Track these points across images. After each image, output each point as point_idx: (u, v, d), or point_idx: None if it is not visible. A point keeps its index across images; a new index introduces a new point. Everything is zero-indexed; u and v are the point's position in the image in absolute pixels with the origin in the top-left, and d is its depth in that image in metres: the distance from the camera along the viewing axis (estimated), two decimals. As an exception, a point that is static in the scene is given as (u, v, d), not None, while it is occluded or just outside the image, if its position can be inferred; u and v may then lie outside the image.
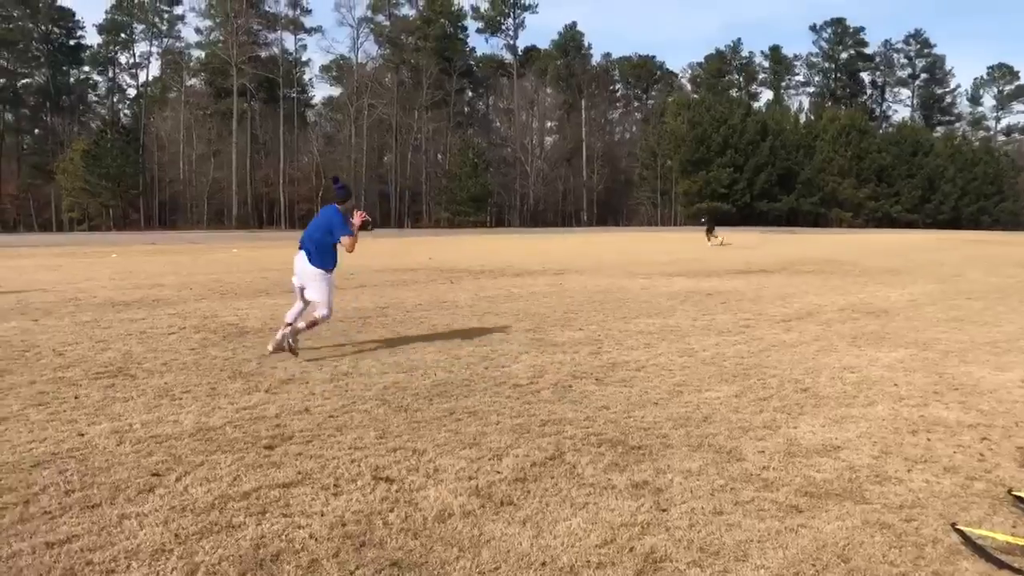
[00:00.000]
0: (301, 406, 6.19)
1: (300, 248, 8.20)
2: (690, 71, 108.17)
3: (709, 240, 36.29)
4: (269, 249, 30.72)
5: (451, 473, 4.65)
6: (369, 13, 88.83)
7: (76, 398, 6.39)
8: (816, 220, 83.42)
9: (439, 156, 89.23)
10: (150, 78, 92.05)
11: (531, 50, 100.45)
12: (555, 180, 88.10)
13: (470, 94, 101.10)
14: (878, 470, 4.84)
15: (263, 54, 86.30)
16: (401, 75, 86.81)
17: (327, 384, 6.96)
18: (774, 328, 10.51)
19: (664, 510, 4.15)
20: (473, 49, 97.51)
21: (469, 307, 12.31)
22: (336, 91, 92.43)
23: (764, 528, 3.93)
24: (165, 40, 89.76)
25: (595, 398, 6.57)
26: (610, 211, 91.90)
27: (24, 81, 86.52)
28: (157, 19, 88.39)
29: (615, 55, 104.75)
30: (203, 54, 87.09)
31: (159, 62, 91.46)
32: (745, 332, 10.14)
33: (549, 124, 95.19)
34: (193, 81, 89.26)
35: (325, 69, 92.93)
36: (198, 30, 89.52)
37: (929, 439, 5.53)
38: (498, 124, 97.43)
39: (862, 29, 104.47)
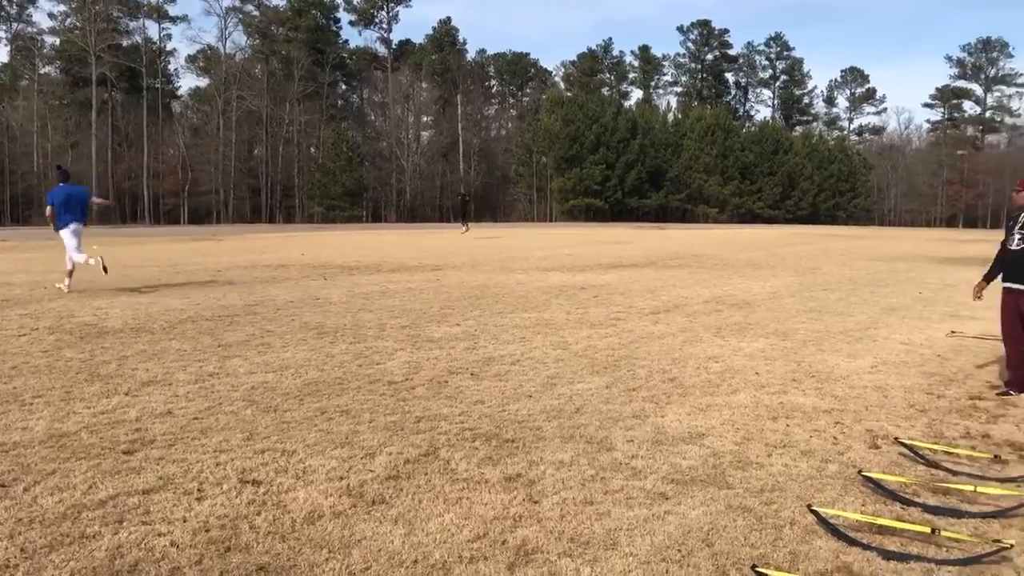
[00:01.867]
0: (163, 408, 5.93)
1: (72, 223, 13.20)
2: (563, 69, 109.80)
3: (464, 228, 37.21)
4: (131, 245, 29.32)
5: (321, 473, 4.56)
6: (237, 3, 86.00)
7: (-88, 407, 5.94)
8: (684, 216, 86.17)
9: (312, 149, 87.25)
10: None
11: (405, 44, 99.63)
12: (432, 175, 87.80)
13: (343, 87, 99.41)
14: (740, 456, 5.04)
15: (124, 42, 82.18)
16: (271, 66, 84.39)
17: (191, 385, 6.70)
18: (643, 320, 10.79)
19: (536, 502, 4.19)
20: (346, 41, 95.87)
21: (343, 304, 12.11)
22: (203, 82, 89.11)
23: (633, 516, 4.02)
24: (15, 24, 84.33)
25: (470, 393, 6.58)
26: (488, 207, 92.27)
27: None
28: (5, 2, 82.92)
29: (490, 51, 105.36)
30: (58, 40, 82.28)
31: (8, 48, 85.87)
32: (616, 325, 10.37)
33: (425, 119, 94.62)
34: (47, 69, 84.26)
35: (191, 59, 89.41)
36: (52, 15, 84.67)
37: (788, 425, 5.80)
38: (373, 118, 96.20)
39: (727, 31, 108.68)
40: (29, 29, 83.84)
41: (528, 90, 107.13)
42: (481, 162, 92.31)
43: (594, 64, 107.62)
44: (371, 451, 4.98)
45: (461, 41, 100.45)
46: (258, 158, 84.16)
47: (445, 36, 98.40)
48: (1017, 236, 6.59)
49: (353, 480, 4.46)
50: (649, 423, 5.75)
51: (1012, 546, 3.66)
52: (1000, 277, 6.93)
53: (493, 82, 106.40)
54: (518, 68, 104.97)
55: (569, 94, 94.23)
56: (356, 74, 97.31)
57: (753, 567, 3.40)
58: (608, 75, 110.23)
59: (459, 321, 10.51)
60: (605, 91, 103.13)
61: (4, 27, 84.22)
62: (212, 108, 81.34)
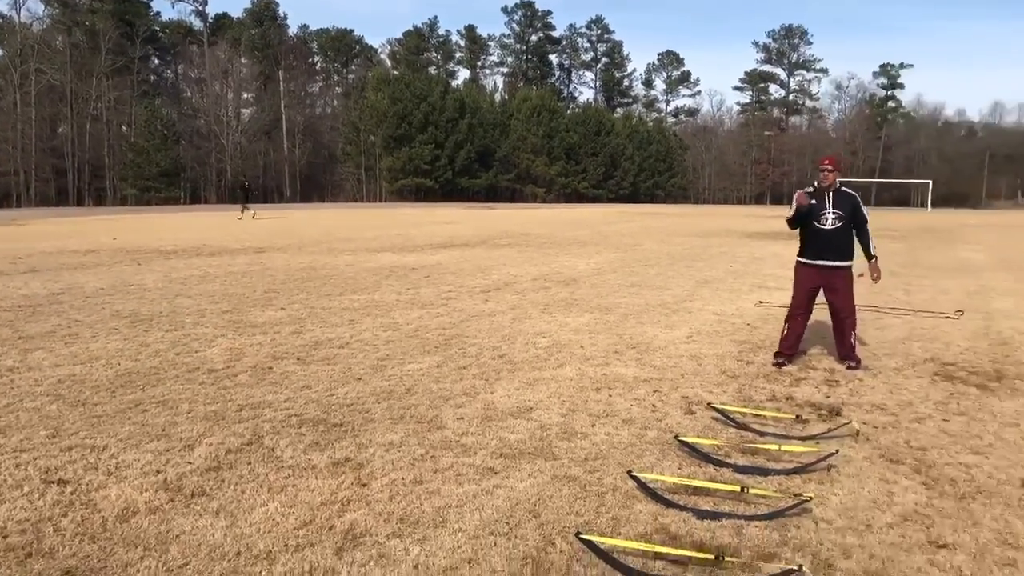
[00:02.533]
0: (-46, 409, 5.43)
1: None
2: (389, 47, 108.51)
3: (242, 213, 36.56)
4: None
5: (136, 468, 4.32)
6: (31, -33, 79.39)
7: None
8: (514, 196, 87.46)
9: (123, 127, 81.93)
10: None
11: (223, 18, 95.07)
12: (255, 154, 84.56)
13: (156, 61, 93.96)
14: (566, 427, 5.18)
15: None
16: (75, 38, 78.52)
17: (-13, 382, 6.17)
18: (474, 299, 10.87)
19: (365, 485, 4.14)
20: (158, 14, 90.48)
21: (159, 290, 11.50)
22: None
23: (462, 492, 4.05)
24: None
25: (296, 378, 6.41)
26: (314, 187, 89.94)
27: None
28: None
29: (313, 27, 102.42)
30: None
31: None
32: (447, 304, 10.40)
33: (246, 96, 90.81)
34: None
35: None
36: None
37: (610, 395, 6.01)
38: (189, 94, 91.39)
39: (549, 13, 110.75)
40: None
41: (354, 67, 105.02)
42: (306, 140, 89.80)
43: (420, 43, 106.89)
44: (190, 442, 4.76)
45: (282, 16, 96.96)
46: (63, 136, 78.15)
47: (264, 10, 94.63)
48: (832, 216, 6.95)
49: (171, 473, 4.25)
50: (479, 400, 5.80)
51: (812, 498, 3.96)
52: (799, 252, 7.19)
53: (317, 58, 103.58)
54: (342, 45, 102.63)
55: (396, 72, 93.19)
56: (170, 48, 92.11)
57: (577, 534, 3.50)
58: (435, 54, 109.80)
59: (284, 305, 10.22)
60: (432, 70, 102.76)
61: None
62: (7, 81, 74.72)
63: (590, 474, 4.35)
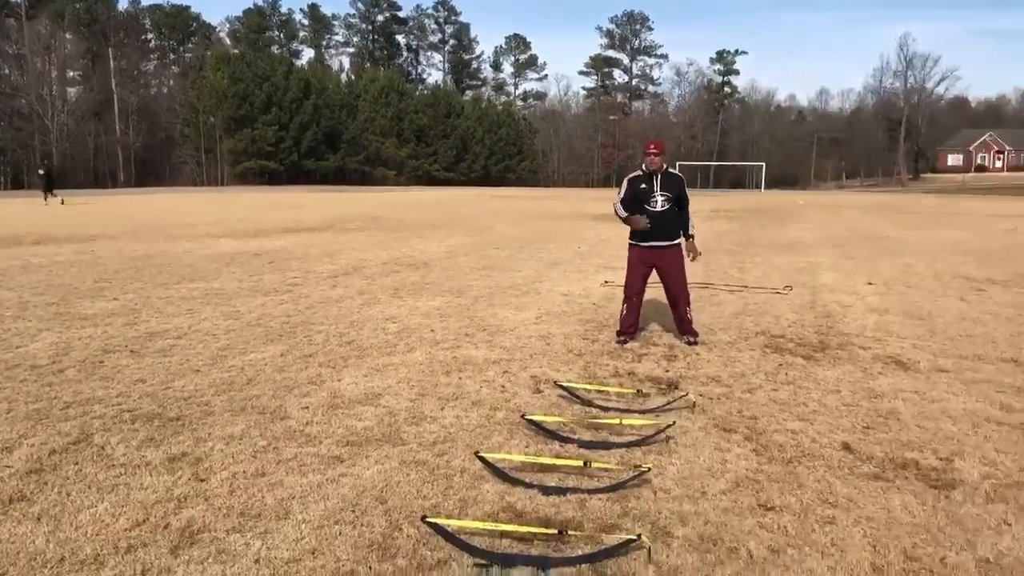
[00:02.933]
0: None
1: None
2: (228, 25, 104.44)
3: (47, 199, 34.81)
4: None
5: (-55, 476, 3.98)
6: None
7: None
8: (363, 178, 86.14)
9: (-72, 106, 75.36)
10: None
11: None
12: (83, 136, 79.46)
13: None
14: (415, 412, 5.16)
15: None
16: None
17: None
18: (321, 285, 10.65)
19: (203, 480, 3.98)
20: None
21: (-25, 282, 10.65)
22: None
23: (306, 483, 3.96)
24: None
25: (130, 372, 6.09)
26: (151, 170, 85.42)
27: None
28: None
29: (145, 2, 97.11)
30: None
31: None
32: (292, 291, 10.14)
33: (72, 74, 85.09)
34: None
35: None
36: None
37: (460, 378, 6.03)
38: (7, 71, 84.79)
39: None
40: None
41: (191, 45, 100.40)
42: (141, 122, 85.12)
43: (261, 21, 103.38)
44: (9, 445, 4.43)
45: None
46: None
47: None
48: (660, 198, 7.19)
49: (-14, 480, 3.95)
50: (325, 388, 5.69)
51: (650, 469, 4.11)
52: (631, 235, 7.36)
53: (150, 36, 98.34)
54: (178, 22, 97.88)
55: (236, 51, 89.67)
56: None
57: (423, 518, 3.49)
58: (277, 33, 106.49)
59: (117, 295, 9.67)
60: (275, 49, 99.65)
61: None
62: None
63: (438, 457, 4.34)
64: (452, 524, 3.45)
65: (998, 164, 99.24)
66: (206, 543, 3.32)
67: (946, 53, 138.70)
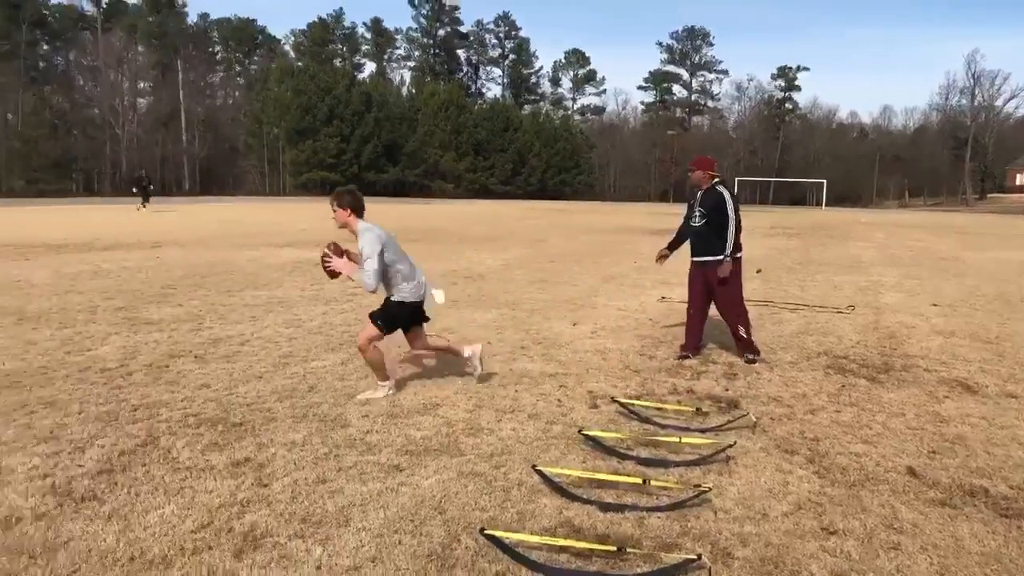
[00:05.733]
0: None
1: None
2: (293, 38, 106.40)
3: (144, 206, 35.57)
4: None
5: (21, 473, 4.12)
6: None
7: None
8: (421, 191, 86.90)
9: (9, 116, 78.06)
10: None
11: (117, 4, 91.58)
12: (152, 146, 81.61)
13: (45, 47, 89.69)
14: (472, 423, 5.18)
15: None
16: (-46, 19, 74.43)
17: None
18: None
19: (266, 485, 4.05)
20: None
21: (48, 286, 11.00)
22: None
23: (366, 491, 4.00)
24: None
25: (194, 377, 6.23)
26: (215, 180, 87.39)
27: None
28: None
29: (213, 16, 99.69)
30: None
31: None
32: (352, 300, 10.26)
33: (142, 85, 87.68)
34: None
35: None
36: None
37: (517, 390, 6.04)
38: (82, 82, 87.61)
39: (457, 8, 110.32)
40: None
41: (256, 58, 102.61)
42: (206, 132, 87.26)
43: (325, 34, 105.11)
44: (80, 445, 4.57)
45: (180, 3, 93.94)
46: (-59, 123, 74.00)
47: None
48: (698, 214, 7.23)
49: (59, 477, 4.07)
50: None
51: (711, 489, 4.06)
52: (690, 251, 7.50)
53: (218, 49, 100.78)
54: (244, 35, 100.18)
55: (300, 64, 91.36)
56: (60, 34, 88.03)
57: (481, 530, 3.50)
58: (340, 46, 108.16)
59: (182, 301, 9.91)
60: (337, 62, 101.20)
61: None
62: None
63: (496, 469, 4.35)
64: (510, 537, 3.45)
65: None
66: (268, 548, 3.38)
67: (1016, 70, 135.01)
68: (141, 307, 9.41)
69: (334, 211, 5.67)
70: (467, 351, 6.14)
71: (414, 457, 4.51)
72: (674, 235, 7.69)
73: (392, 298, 5.70)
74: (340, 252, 5.61)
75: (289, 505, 3.81)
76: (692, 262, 7.37)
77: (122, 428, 4.88)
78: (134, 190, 36.77)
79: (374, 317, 5.70)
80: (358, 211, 5.67)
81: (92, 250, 16.43)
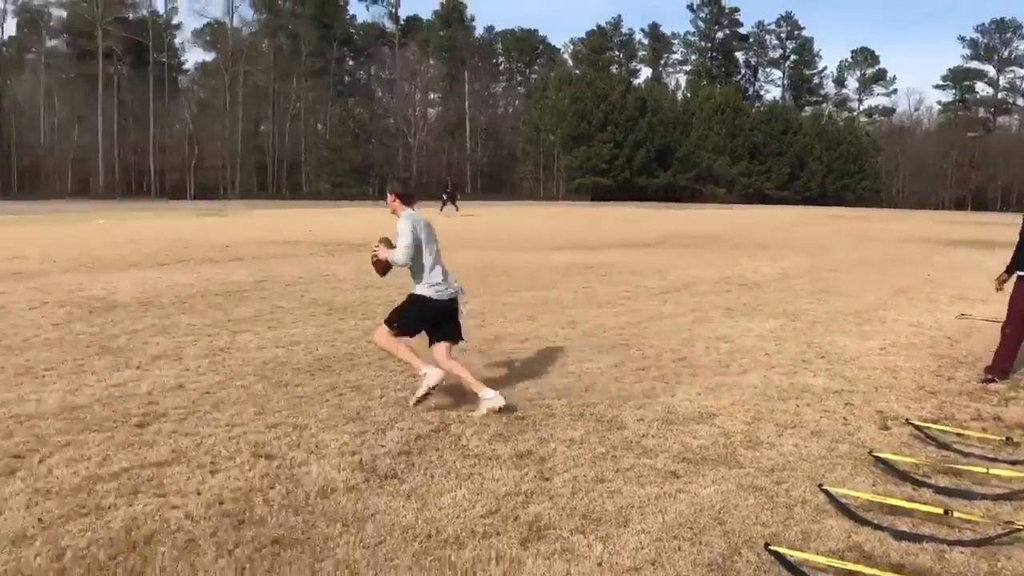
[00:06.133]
0: (174, 382, 5.96)
1: None
2: (572, 46, 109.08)
3: (450, 209, 37.35)
4: (138, 220, 29.38)
5: (334, 448, 4.58)
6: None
7: (-75, 378, 5.97)
8: (693, 196, 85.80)
9: (319, 126, 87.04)
10: (5, 38, 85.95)
11: (413, 20, 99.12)
12: (439, 153, 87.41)
13: (351, 63, 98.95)
14: (751, 435, 5.04)
15: (131, 15, 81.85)
16: (278, 41, 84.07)
17: (202, 360, 6.73)
18: (652, 300, 10.78)
19: (547, 479, 4.20)
20: (354, 16, 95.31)
21: (351, 280, 12.12)
22: (210, 56, 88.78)
23: (644, 494, 4.03)
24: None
25: (478, 369, 6.56)
26: (495, 185, 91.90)
27: None
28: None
29: (498, 28, 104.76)
30: (64, 13, 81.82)
31: (14, 20, 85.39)
32: (625, 304, 10.36)
33: (432, 96, 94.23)
34: (54, 42, 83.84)
35: (198, 33, 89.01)
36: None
37: (798, 405, 5.79)
38: (380, 94, 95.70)
39: (737, 10, 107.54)
40: (35, 1, 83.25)
41: (536, 67, 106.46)
42: (488, 140, 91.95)
43: (603, 42, 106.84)
44: (382, 426, 4.99)
45: (469, 17, 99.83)
46: (264, 133, 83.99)
47: (453, 12, 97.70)
48: None
49: (365, 455, 4.48)
50: (659, 402, 5.74)
51: (1024, 528, 3.66)
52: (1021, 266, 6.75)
53: (501, 59, 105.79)
54: (526, 45, 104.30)
55: (577, 72, 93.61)
56: (363, 50, 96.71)
57: (766, 545, 3.40)
58: (617, 53, 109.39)
59: (467, 299, 10.41)
60: (614, 69, 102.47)
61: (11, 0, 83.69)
62: (219, 83, 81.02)
63: (777, 485, 4.21)
64: (795, 556, 3.32)
65: None
66: (551, 540, 3.50)
67: None
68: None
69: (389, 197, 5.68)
70: (434, 376, 5.35)
71: (691, 465, 4.47)
72: (1014, 253, 6.81)
73: (414, 291, 5.52)
74: (391, 246, 5.56)
75: (570, 500, 3.92)
76: (1018, 277, 6.68)
77: (417, 413, 5.27)
78: (443, 196, 39.86)
79: (388, 318, 5.56)
80: (405, 199, 5.64)
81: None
